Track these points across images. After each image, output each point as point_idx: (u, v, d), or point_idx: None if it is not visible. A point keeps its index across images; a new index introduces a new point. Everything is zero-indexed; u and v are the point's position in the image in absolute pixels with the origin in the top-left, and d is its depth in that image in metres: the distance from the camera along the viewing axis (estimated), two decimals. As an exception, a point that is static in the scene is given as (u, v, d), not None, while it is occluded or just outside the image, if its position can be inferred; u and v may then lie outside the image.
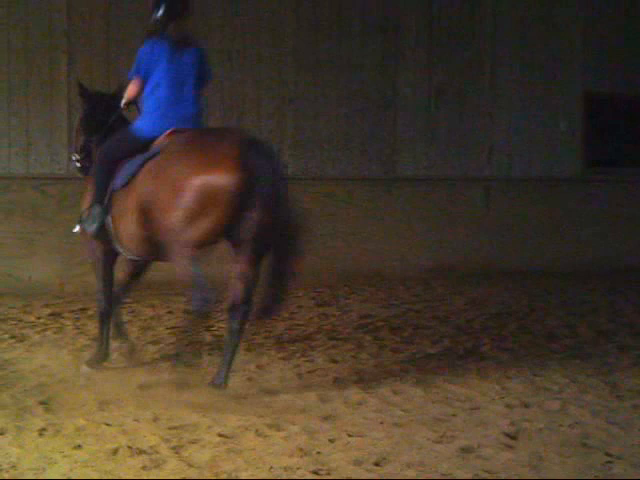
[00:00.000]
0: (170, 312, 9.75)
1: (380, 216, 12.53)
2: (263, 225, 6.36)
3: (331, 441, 5.51)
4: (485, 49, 13.19)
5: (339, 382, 7.00)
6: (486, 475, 4.97)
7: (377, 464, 5.11)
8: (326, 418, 6.01)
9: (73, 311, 9.74)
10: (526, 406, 6.42)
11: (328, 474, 4.94)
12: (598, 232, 13.63)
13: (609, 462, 5.24)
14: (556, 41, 13.55)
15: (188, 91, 7.03)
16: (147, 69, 7.03)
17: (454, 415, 6.16)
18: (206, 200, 6.26)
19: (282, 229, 6.56)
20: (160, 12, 7.04)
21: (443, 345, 8.39)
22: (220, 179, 6.26)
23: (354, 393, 6.68)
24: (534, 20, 13.43)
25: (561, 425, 5.97)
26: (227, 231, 6.42)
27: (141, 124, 7.10)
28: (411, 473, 4.99)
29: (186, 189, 6.30)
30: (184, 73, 7.01)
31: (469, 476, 4.95)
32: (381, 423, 5.93)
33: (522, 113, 13.36)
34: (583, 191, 13.71)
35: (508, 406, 6.41)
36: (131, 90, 7.23)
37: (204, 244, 6.51)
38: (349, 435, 5.64)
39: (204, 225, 6.32)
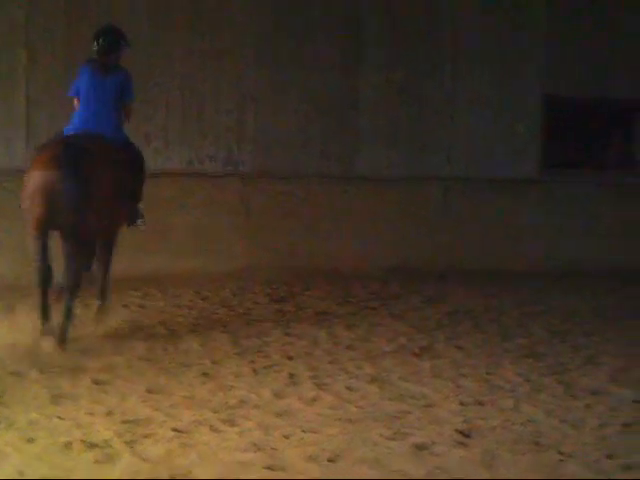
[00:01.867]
0: (125, 306, 9.68)
1: (338, 215, 12.54)
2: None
3: (285, 437, 5.52)
4: (446, 49, 13.22)
5: (294, 378, 7.01)
6: (439, 472, 5.00)
7: (331, 460, 5.13)
8: (281, 414, 6.02)
9: (27, 305, 9.63)
10: (480, 404, 6.46)
11: (282, 470, 4.94)
12: (555, 233, 13.71)
13: (561, 460, 5.29)
14: (517, 43, 13.60)
15: (111, 106, 8.68)
16: (77, 88, 8.77)
17: (408, 412, 6.18)
18: None
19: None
20: (94, 46, 8.73)
21: (398, 343, 8.41)
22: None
23: (309, 389, 6.69)
24: (495, 21, 13.49)
25: (514, 423, 6.01)
26: None
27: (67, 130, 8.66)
28: (364, 469, 5.00)
29: None
30: (107, 92, 8.66)
31: (422, 473, 4.97)
32: (336, 419, 5.94)
33: (481, 114, 13.40)
34: (541, 192, 13.78)
35: (462, 404, 6.44)
36: (75, 105, 8.82)
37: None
38: (303, 431, 5.65)
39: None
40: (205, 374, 7.05)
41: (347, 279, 11.83)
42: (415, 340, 8.54)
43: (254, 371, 7.22)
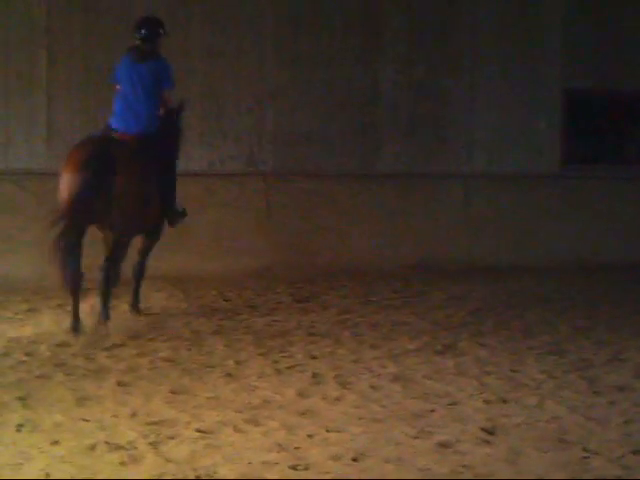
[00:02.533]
0: (148, 307, 9.72)
1: (360, 212, 12.56)
2: None
3: (309, 436, 5.52)
4: (465, 45, 13.20)
5: (318, 378, 7.00)
6: (463, 470, 4.99)
7: (355, 459, 5.12)
8: (304, 413, 6.03)
9: (51, 307, 9.70)
10: (504, 402, 6.44)
11: (306, 469, 4.95)
12: (578, 229, 13.67)
13: (586, 457, 5.27)
14: (536, 37, 13.57)
15: (145, 97, 9.01)
16: (117, 76, 9.16)
17: (432, 411, 6.17)
18: None
19: None
20: (136, 34, 9.16)
21: (422, 341, 8.39)
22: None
23: (332, 389, 6.69)
24: (514, 16, 13.46)
25: (539, 420, 5.99)
26: None
27: (110, 121, 9.17)
28: (389, 468, 5.00)
29: None
30: (141, 82, 9.00)
31: (446, 471, 4.97)
32: (359, 419, 5.94)
33: (502, 109, 13.38)
34: (563, 188, 13.74)
35: (486, 402, 6.42)
36: (116, 90, 9.22)
37: None
38: (327, 430, 5.65)
39: None
40: (229, 375, 7.06)
41: (370, 278, 11.84)
42: (438, 338, 8.53)
43: (278, 371, 7.22)
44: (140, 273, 9.51)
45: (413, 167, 12.93)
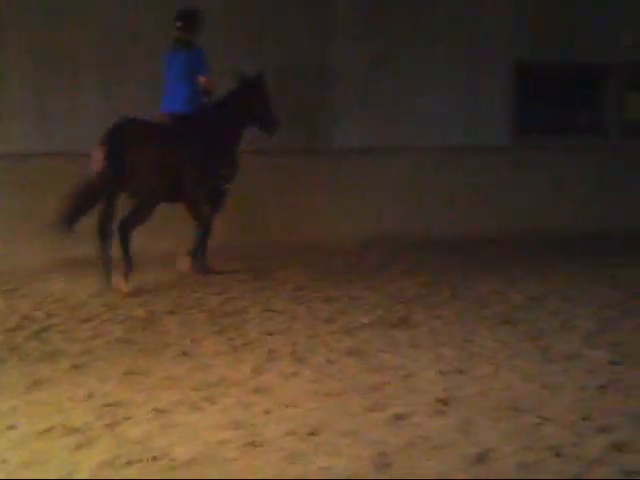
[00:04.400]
0: (103, 289, 9.67)
1: (316, 187, 12.54)
2: None
3: (265, 413, 5.55)
4: (420, 18, 13.22)
5: (273, 354, 7.03)
6: (418, 441, 5.05)
7: (312, 434, 5.17)
8: (260, 390, 6.05)
9: (4, 291, 9.64)
10: (458, 372, 6.50)
11: (262, 445, 4.98)
12: (531, 199, 13.79)
13: (539, 424, 5.35)
14: (487, 10, 13.62)
15: (180, 82, 10.14)
16: (163, 64, 10.34)
17: (387, 383, 6.23)
18: None
19: None
20: (175, 25, 10.24)
21: (376, 314, 8.44)
22: None
23: (288, 365, 6.72)
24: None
25: (493, 390, 6.07)
26: None
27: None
28: (345, 441, 5.04)
29: None
30: (177, 69, 10.16)
31: (402, 443, 5.02)
32: (315, 393, 5.98)
33: (453, 82, 13.42)
34: (515, 159, 13.82)
35: (440, 373, 6.49)
36: None
37: None
38: (284, 406, 5.69)
39: None
40: (184, 354, 7.07)
41: (325, 253, 11.85)
42: (393, 311, 8.57)
43: (233, 348, 7.24)
44: (199, 241, 10.60)
45: (369, 140, 12.92)
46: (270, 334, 7.71)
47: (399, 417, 5.47)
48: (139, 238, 10.18)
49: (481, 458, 4.82)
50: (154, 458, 4.81)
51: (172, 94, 10.25)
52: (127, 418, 5.47)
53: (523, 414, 5.54)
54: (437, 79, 13.30)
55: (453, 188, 13.36)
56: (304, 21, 12.61)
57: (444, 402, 5.77)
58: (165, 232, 11.39)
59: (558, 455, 4.84)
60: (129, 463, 4.77)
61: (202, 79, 10.23)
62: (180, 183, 10.05)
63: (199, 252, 10.62)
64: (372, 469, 4.67)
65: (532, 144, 13.90)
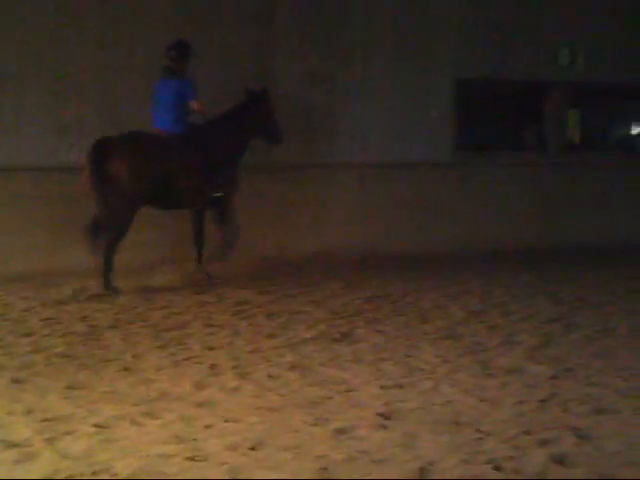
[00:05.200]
0: (43, 304, 9.59)
1: (257, 203, 12.52)
2: None
3: (207, 427, 5.53)
4: (358, 35, 13.29)
5: (215, 369, 7.01)
6: (360, 455, 5.05)
7: (253, 448, 5.16)
8: (202, 405, 6.03)
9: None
10: (400, 387, 6.53)
11: (204, 460, 4.96)
12: (471, 215, 13.91)
13: (480, 438, 5.38)
14: (427, 27, 13.74)
15: (170, 106, 10.82)
16: (155, 89, 10.98)
17: (329, 398, 6.23)
18: None
19: None
20: (167, 55, 10.92)
21: (319, 329, 8.45)
22: None
23: (230, 379, 6.70)
24: (407, 6, 13.61)
25: (434, 404, 6.10)
26: None
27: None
28: (286, 456, 5.04)
29: None
30: (168, 95, 10.82)
31: (343, 457, 5.02)
32: (257, 408, 5.97)
33: (395, 99, 13.51)
34: (455, 175, 13.96)
35: (382, 387, 6.51)
36: None
37: None
38: (225, 421, 5.68)
39: None
40: (126, 368, 7.02)
41: (267, 267, 11.85)
42: (335, 326, 8.60)
43: (175, 363, 7.20)
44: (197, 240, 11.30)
45: (307, 157, 12.94)
46: (212, 349, 7.69)
47: (341, 431, 5.48)
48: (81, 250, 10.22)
49: (422, 472, 4.83)
50: (94, 473, 4.76)
51: (162, 113, 10.89)
52: (67, 433, 5.41)
53: (463, 428, 5.57)
54: (376, 95, 13.37)
55: (393, 204, 13.43)
56: (245, 39, 12.61)
57: (386, 416, 5.78)
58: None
59: (498, 469, 4.87)
60: (69, 478, 4.72)
61: (195, 104, 10.87)
62: (169, 192, 10.68)
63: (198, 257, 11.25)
64: (314, 481, 4.68)
65: (472, 160, 14.04)
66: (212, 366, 7.09)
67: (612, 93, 15.33)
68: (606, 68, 14.69)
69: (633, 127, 16.06)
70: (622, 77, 14.78)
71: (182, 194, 10.82)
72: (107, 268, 10.38)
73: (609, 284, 11.05)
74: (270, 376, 6.81)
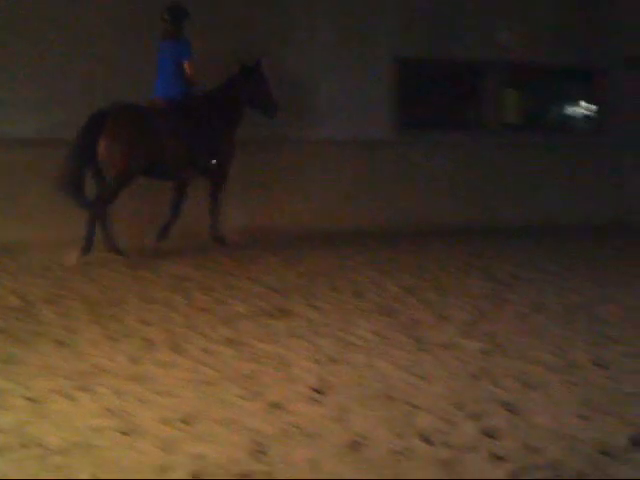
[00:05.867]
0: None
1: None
2: None
3: (140, 401, 5.53)
4: (301, 14, 13.27)
5: (150, 343, 7.00)
6: (293, 429, 5.09)
7: (186, 422, 5.16)
8: (136, 379, 6.02)
9: None
10: (334, 361, 6.56)
11: (135, 433, 4.96)
12: (411, 193, 14.00)
13: (411, 412, 5.44)
14: (367, 7, 13.77)
15: (168, 68, 11.19)
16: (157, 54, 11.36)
17: (263, 372, 6.25)
18: None
19: None
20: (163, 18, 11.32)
21: (254, 304, 8.48)
22: None
23: (164, 354, 6.70)
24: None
25: (367, 379, 6.14)
26: None
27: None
28: (219, 429, 5.05)
29: None
30: (166, 57, 11.22)
31: (276, 431, 5.05)
32: (191, 382, 5.97)
33: (339, 78, 13.53)
34: (398, 153, 14.03)
35: (316, 362, 6.54)
36: None
37: None
38: (159, 395, 5.67)
39: None
40: (60, 342, 6.99)
41: (203, 242, 11.84)
42: (271, 301, 8.62)
43: (110, 338, 7.18)
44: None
45: (251, 134, 12.89)
46: (147, 324, 7.68)
47: (274, 405, 5.51)
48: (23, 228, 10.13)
49: (354, 445, 4.88)
50: (23, 445, 4.74)
51: (161, 77, 11.29)
52: (-1, 407, 5.39)
53: (396, 402, 5.62)
54: (317, 74, 13.37)
55: (335, 182, 13.46)
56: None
57: (319, 391, 5.82)
58: (42, 218, 11.29)
59: (429, 442, 4.93)
60: None
61: (187, 66, 11.20)
62: (160, 162, 11.01)
63: (213, 224, 11.81)
64: (246, 456, 4.69)
65: (413, 139, 14.11)
66: (147, 340, 7.08)
67: (550, 74, 15.47)
68: (544, 49, 14.84)
69: (570, 108, 16.24)
70: (559, 58, 14.94)
71: (174, 163, 11.15)
72: (105, 234, 10.81)
73: (542, 261, 11.19)
74: (205, 351, 6.81)
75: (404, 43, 13.94)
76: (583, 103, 16.06)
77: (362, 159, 13.76)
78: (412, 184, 14.04)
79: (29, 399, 5.54)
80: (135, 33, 12.31)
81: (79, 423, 5.09)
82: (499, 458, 4.73)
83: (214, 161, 11.48)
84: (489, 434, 5.08)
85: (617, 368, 6.46)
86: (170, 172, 11.29)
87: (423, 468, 4.58)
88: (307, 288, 9.31)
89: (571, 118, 16.28)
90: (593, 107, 15.78)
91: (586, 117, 16.01)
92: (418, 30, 14.04)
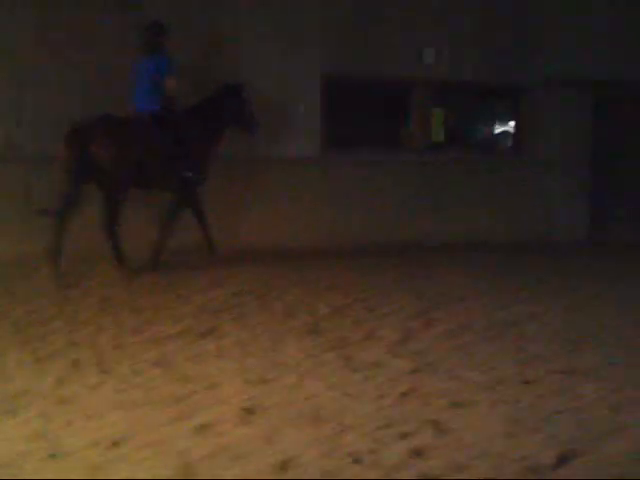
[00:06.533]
0: None
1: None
2: None
3: (68, 424, 5.48)
4: (228, 27, 13.28)
5: (78, 365, 6.93)
6: (223, 450, 5.08)
7: (115, 445, 5.13)
8: (63, 401, 5.97)
9: None
10: (264, 382, 6.57)
11: (64, 457, 4.91)
12: (337, 211, 14.04)
13: (341, 432, 5.46)
14: (298, 23, 13.81)
15: (145, 83, 11.42)
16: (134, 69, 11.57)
17: (193, 393, 6.23)
18: None
19: None
20: (143, 35, 11.59)
21: (184, 324, 8.43)
22: None
23: (93, 375, 6.64)
24: (278, 1, 13.68)
25: (297, 399, 6.15)
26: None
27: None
28: (148, 452, 5.03)
29: None
30: (143, 72, 11.45)
31: (206, 452, 5.04)
32: (120, 404, 5.93)
33: (263, 93, 13.52)
34: (323, 171, 14.06)
35: (247, 382, 6.54)
36: None
37: None
38: (87, 417, 5.62)
39: None
40: (-15, 365, 6.91)
41: (132, 263, 11.74)
42: (201, 321, 8.59)
43: (37, 359, 7.10)
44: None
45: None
46: (75, 345, 7.61)
47: (204, 427, 5.49)
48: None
49: (284, 466, 4.89)
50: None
51: (139, 91, 11.50)
52: None
53: (325, 422, 5.64)
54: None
55: (260, 199, 13.46)
56: (112, 27, 12.51)
57: (249, 411, 5.82)
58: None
59: (358, 462, 4.95)
60: None
61: (168, 80, 11.41)
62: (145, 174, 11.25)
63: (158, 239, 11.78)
64: (175, 479, 4.67)
65: (340, 157, 14.17)
66: (75, 362, 7.02)
67: (474, 93, 15.68)
68: (470, 68, 15.01)
69: (494, 126, 16.47)
70: (482, 77, 15.14)
71: (155, 175, 11.42)
72: (115, 252, 11.06)
73: (471, 280, 11.29)
74: (134, 372, 6.77)
75: (332, 59, 14.01)
76: (506, 122, 16.28)
77: (287, 176, 13.76)
78: (336, 203, 14.08)
79: (-46, 423, 5.47)
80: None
81: (5, 447, 5.03)
82: (428, 477, 4.77)
83: (190, 174, 11.68)
84: (418, 453, 5.12)
85: (544, 386, 6.55)
86: (154, 182, 11.55)
87: (353, 488, 4.61)
88: (237, 308, 9.29)
89: (495, 136, 16.50)
90: (515, 125, 16.01)
91: (509, 135, 16.24)
92: (347, 47, 14.11)
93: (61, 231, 10.72)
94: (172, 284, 10.54)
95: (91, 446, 5.10)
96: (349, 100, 14.38)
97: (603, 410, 5.99)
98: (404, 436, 5.40)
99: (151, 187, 11.68)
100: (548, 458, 5.02)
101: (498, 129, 16.49)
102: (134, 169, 11.07)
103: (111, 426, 5.47)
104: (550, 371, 6.95)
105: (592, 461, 5.01)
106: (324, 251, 13.33)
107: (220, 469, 4.82)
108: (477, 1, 15.02)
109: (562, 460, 5.01)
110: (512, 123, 16.09)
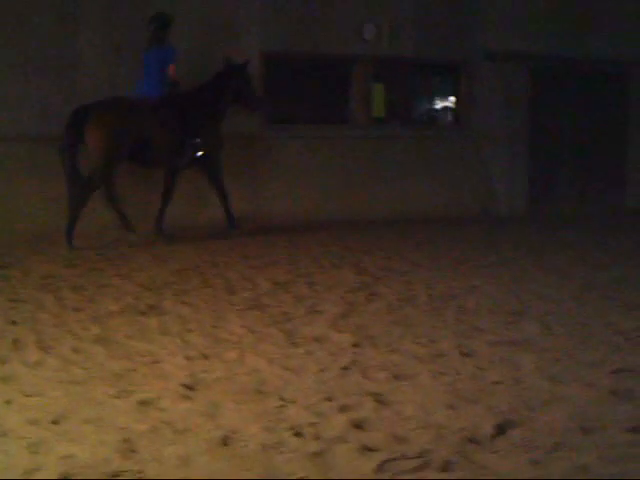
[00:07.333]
0: None
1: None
2: None
3: (7, 403, 5.44)
4: (164, 7, 13.17)
5: (17, 343, 6.88)
6: (163, 426, 5.08)
7: (55, 422, 5.10)
8: (3, 380, 5.92)
9: None
10: (205, 357, 6.57)
11: (3, 435, 4.88)
12: (280, 188, 14.05)
13: (282, 406, 5.48)
14: (233, 1, 13.76)
15: (153, 72, 12.07)
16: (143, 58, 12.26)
17: (134, 370, 6.22)
18: None
19: None
20: (148, 27, 12.22)
21: (125, 302, 8.41)
22: None
23: (33, 354, 6.59)
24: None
25: (238, 374, 6.16)
26: None
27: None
28: (89, 428, 5.01)
29: None
30: (151, 62, 12.06)
31: (146, 428, 5.03)
32: (60, 382, 5.90)
33: (205, 72, 13.45)
34: (264, 147, 14.07)
35: (187, 358, 6.54)
36: None
37: None
38: (26, 395, 5.59)
39: None
40: None
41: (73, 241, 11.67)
42: (142, 299, 8.57)
43: (-24, 339, 7.05)
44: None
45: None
46: (15, 323, 7.55)
47: (144, 403, 5.48)
48: None
49: (225, 441, 4.89)
50: None
51: (146, 79, 12.07)
52: None
53: (267, 396, 5.66)
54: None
55: (199, 176, 13.44)
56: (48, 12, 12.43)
57: (190, 387, 5.82)
58: None
59: (299, 435, 4.97)
60: None
61: (170, 68, 12.02)
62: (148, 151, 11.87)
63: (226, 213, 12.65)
64: (117, 455, 4.66)
65: (281, 133, 14.17)
66: (14, 341, 6.96)
67: (415, 68, 15.75)
68: (410, 44, 15.07)
69: (435, 101, 16.59)
70: (423, 52, 15.22)
71: (160, 153, 12.02)
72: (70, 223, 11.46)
73: (411, 253, 11.37)
74: (74, 350, 6.73)
75: (270, 37, 13.98)
76: (447, 96, 16.40)
77: (235, 153, 13.72)
78: (280, 179, 14.09)
79: None
80: None
81: (-57, 427, 4.99)
82: (368, 449, 4.80)
83: (200, 153, 12.26)
84: (359, 426, 5.16)
85: (483, 357, 6.62)
86: (156, 160, 12.15)
87: (294, 461, 4.62)
88: (178, 284, 9.28)
89: (436, 111, 16.62)
90: (455, 99, 16.13)
91: (450, 110, 16.36)
92: (284, 24, 14.09)
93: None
94: (113, 262, 10.50)
95: (31, 424, 5.06)
96: (291, 78, 14.38)
97: (542, 381, 6.06)
98: (345, 409, 5.42)
99: (159, 164, 12.34)
100: (487, 428, 5.08)
101: (439, 103, 16.60)
102: (125, 151, 11.67)
103: (51, 404, 5.44)
104: (490, 343, 7.02)
105: (530, 431, 5.08)
106: (266, 227, 13.34)
107: (161, 445, 4.81)
108: (416, -23, 15.07)
109: (500, 430, 5.06)
110: (452, 98, 16.19)
